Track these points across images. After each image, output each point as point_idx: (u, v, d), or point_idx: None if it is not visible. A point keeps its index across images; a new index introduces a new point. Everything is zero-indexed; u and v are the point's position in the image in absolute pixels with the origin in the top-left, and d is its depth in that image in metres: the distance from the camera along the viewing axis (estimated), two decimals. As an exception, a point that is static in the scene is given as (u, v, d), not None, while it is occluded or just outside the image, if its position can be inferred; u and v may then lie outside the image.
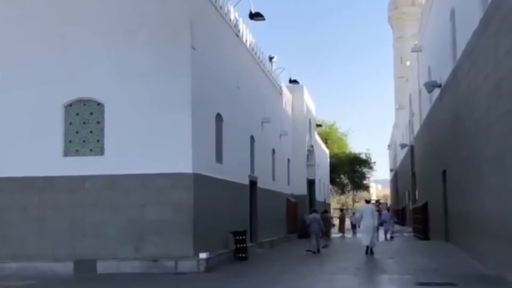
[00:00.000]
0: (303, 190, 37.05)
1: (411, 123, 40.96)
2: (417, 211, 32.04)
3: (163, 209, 16.20)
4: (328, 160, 56.81)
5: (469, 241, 17.48)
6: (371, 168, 67.60)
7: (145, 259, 15.80)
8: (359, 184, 68.60)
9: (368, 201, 22.99)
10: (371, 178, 73.03)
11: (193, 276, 14.99)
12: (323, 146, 52.73)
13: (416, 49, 30.94)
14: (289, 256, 20.37)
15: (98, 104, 16.93)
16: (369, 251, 19.45)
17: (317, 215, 24.07)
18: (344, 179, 67.03)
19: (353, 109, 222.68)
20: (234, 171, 20.82)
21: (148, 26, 16.77)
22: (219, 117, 19.18)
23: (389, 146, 78.42)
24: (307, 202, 36.84)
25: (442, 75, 22.65)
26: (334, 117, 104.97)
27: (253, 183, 23.83)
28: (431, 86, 23.00)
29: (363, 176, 68.03)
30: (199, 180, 16.61)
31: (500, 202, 13.10)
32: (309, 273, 14.64)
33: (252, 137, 24.15)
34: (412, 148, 39.76)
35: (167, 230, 16.09)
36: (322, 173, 49.70)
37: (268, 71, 28.34)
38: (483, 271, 13.81)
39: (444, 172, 22.86)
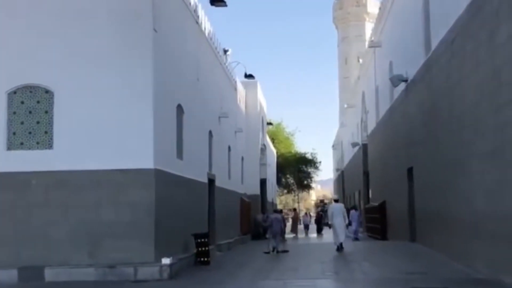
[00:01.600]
0: (256, 189, 35.82)
1: (363, 122, 40.29)
2: (373, 211, 31.27)
3: (120, 209, 14.53)
4: (275, 160, 55.93)
5: (446, 242, 16.54)
6: (316, 168, 67.26)
7: (101, 266, 14.08)
8: (304, 184, 68.12)
9: (336, 200, 23.53)
10: (316, 178, 72.59)
11: (155, 284, 13.50)
12: (271, 145, 51.79)
13: (374, 45, 30.14)
14: (254, 259, 18.98)
15: (47, 91, 15.08)
16: (340, 247, 19.88)
17: (278, 216, 23.57)
18: (290, 179, 66.30)
19: (299, 109, 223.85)
20: (194, 168, 19.28)
21: (105, 4, 15.05)
22: (180, 109, 17.62)
23: (333, 146, 78.33)
24: (260, 202, 35.55)
25: (409, 69, 21.80)
26: (280, 116, 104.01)
27: (211, 182, 22.34)
28: (398, 80, 22.10)
29: (308, 176, 67.55)
30: (160, 177, 15.03)
31: (495, 200, 12.15)
32: (287, 279, 13.29)
33: (210, 133, 22.65)
34: (364, 147, 39.08)
35: (125, 233, 14.43)
36: (271, 173, 48.72)
37: (225, 64, 26.89)
38: (472, 274, 12.83)
39: (410, 169, 22.01)
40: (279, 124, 63.96)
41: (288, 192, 71.07)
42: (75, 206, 14.59)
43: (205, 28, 21.73)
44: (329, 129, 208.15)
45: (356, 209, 28.23)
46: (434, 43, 17.49)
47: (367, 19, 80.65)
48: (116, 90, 14.74)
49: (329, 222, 21.76)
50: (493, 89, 12.01)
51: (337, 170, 68.36)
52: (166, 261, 14.12)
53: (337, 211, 20.77)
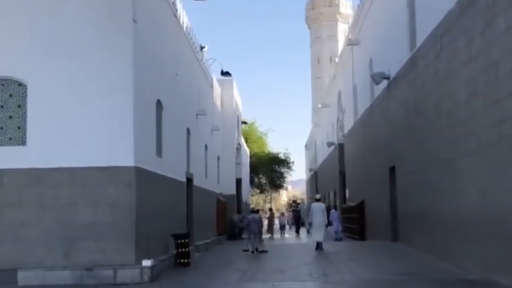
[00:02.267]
0: (232, 189, 35.24)
1: (339, 121, 40.03)
2: (351, 210, 30.93)
3: (99, 208, 13.82)
4: (248, 159, 55.39)
5: (432, 242, 16.22)
6: (289, 168, 66.89)
7: (77, 268, 13.35)
8: (277, 184, 67.69)
9: (318, 200, 22.99)
10: (289, 179, 72.20)
11: (136, 287, 12.78)
12: (244, 145, 51.24)
13: (352, 43, 29.81)
14: (234, 260, 18.39)
15: (20, 84, 14.28)
16: (319, 246, 19.88)
17: (256, 216, 23.21)
18: (263, 179, 65.79)
19: (272, 109, 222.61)
20: (173, 166, 18.61)
21: (83, -9, 14.32)
22: (159, 104, 16.94)
23: (306, 146, 78.14)
24: (236, 202, 34.96)
25: (391, 67, 21.48)
26: (253, 116, 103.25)
27: (189, 181, 21.68)
28: (379, 77, 21.76)
29: (281, 176, 67.13)
30: (141, 176, 14.35)
31: (487, 199, 11.83)
32: (274, 281, 12.74)
33: (188, 130, 21.99)
34: (341, 146, 38.80)
35: (104, 234, 13.72)
36: (245, 173, 48.15)
37: (202, 61, 26.23)
38: (463, 274, 12.48)
39: (392, 168, 21.69)
40: (252, 124, 63.42)
41: (261, 192, 70.54)
42: (50, 206, 13.82)
43: (183, 22, 21.08)
44: (302, 129, 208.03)
45: (336, 209, 27.79)
46: (420, 39, 17.15)
47: (340, 19, 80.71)
48: (94, 83, 14.01)
49: (309, 221, 21.87)
50: (489, 83, 11.66)
51: (310, 170, 68.09)
52: (147, 263, 13.46)
53: (317, 211, 20.81)
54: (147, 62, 15.44)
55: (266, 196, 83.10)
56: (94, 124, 13.91)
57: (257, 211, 26.60)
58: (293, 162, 66.05)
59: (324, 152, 52.23)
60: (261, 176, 65.32)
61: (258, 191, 70.01)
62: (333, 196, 43.03)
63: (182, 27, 20.88)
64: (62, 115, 13.98)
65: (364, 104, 28.24)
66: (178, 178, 19.48)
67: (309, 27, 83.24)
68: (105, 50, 14.05)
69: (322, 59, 79.47)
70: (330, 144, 42.68)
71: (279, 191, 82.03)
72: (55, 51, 14.11)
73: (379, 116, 24.00)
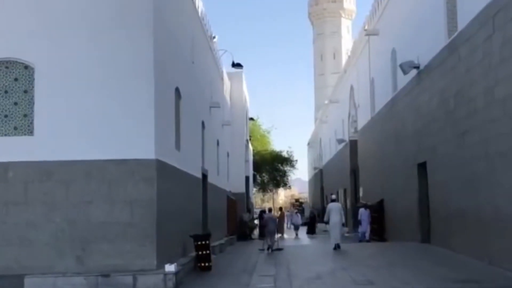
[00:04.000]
0: (241, 187, 33.71)
1: (351, 117, 38.53)
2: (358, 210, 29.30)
3: (115, 206, 12.30)
4: (251, 157, 53.97)
5: (477, 244, 14.74)
6: (293, 166, 65.48)
7: (92, 274, 11.83)
8: (280, 182, 66.25)
9: (333, 200, 22.91)
10: (292, 177, 70.67)
11: (159, 295, 11.26)
12: (249, 142, 49.84)
13: (370, 33, 28.26)
14: (256, 263, 16.84)
15: (26, 67, 12.72)
16: (337, 246, 19.80)
17: (272, 215, 23.78)
18: (266, 177, 64.32)
19: (274, 106, 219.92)
20: (190, 161, 17.09)
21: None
22: (177, 92, 15.41)
23: (309, 144, 76.64)
24: (245, 201, 33.45)
25: (421, 55, 19.98)
26: (256, 113, 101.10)
27: (204, 177, 20.15)
28: (409, 67, 20.25)
29: (284, 175, 65.70)
30: (161, 170, 12.82)
31: None
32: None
33: (203, 123, 20.45)
34: (352, 143, 37.31)
35: (121, 235, 12.21)
36: (250, 171, 46.64)
37: (214, 50, 24.70)
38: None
39: (422, 164, 20.17)
40: (255, 121, 61.98)
41: (264, 190, 69.08)
42: (61, 204, 12.29)
43: (198, 6, 19.55)
44: (303, 127, 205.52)
45: (366, 207, 26.13)
46: (463, 22, 15.66)
47: (343, 15, 79.39)
48: (111, 65, 12.48)
49: (325, 221, 21.78)
50: None
51: (314, 168, 66.53)
52: (170, 268, 11.95)
53: (334, 211, 20.73)
54: (166, 45, 13.93)
55: (264, 195, 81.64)
56: (110, 112, 12.37)
57: (270, 210, 25.76)
58: (296, 161, 64.44)
59: (331, 150, 50.73)
60: (264, 174, 63.94)
61: (261, 189, 68.52)
62: (343, 195, 41.45)
63: (197, 11, 19.35)
64: (74, 102, 12.45)
65: (384, 97, 26.70)
66: (195, 174, 17.96)
67: (312, 23, 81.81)
68: (124, 29, 12.53)
69: (325, 55, 78.08)
70: (340, 141, 41.15)
71: (277, 191, 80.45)
72: (67, 29, 12.57)
73: (405, 108, 22.46)
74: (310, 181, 78.17)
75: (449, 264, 14.30)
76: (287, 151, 64.74)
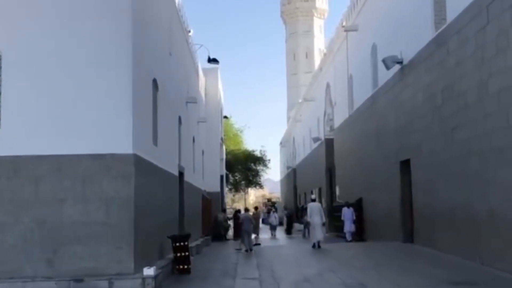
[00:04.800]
0: (216, 186, 32.84)
1: (327, 115, 38.01)
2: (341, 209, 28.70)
3: (90, 205, 11.38)
4: (224, 156, 53.10)
5: (466, 244, 14.22)
6: (265, 165, 64.70)
7: (64, 278, 10.91)
8: (252, 182, 65.44)
9: (313, 200, 23.42)
10: (265, 176, 69.91)
11: (137, 301, 10.41)
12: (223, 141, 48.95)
13: (350, 29, 27.71)
14: (238, 264, 16.09)
15: (-9, 53, 11.70)
16: (317, 245, 20.21)
17: (249, 214, 23.36)
18: (239, 177, 63.47)
19: (246, 105, 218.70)
20: (167, 157, 16.23)
21: None
22: (155, 84, 14.53)
23: (281, 143, 76.06)
24: (220, 200, 32.60)
25: (405, 50, 19.47)
26: (229, 112, 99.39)
27: (181, 175, 19.28)
28: (392, 62, 19.71)
29: (257, 174, 64.91)
30: (139, 166, 11.94)
31: None
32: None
33: (179, 119, 19.57)
34: (328, 142, 36.78)
35: (96, 236, 11.30)
36: (223, 170, 45.76)
37: (190, 44, 23.84)
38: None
39: (405, 162, 19.66)
40: (228, 120, 61.10)
41: (236, 190, 68.23)
42: (30, 202, 11.33)
43: (175, -3, 18.70)
44: (275, 126, 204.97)
45: (348, 206, 25.54)
46: (452, 14, 15.13)
47: (316, 14, 79.08)
48: (85, 55, 11.56)
49: (308, 220, 22.34)
50: None
51: (288, 168, 65.93)
52: (149, 272, 11.09)
53: (315, 210, 21.23)
54: (144, 33, 13.06)
55: (234, 195, 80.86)
56: (84, 103, 11.47)
57: (247, 210, 25.23)
58: (269, 160, 63.68)
59: (305, 149, 50.22)
60: (236, 174, 63.08)
61: (227, 189, 67.62)
62: (318, 195, 40.89)
63: (174, 2, 18.49)
64: (46, 92, 11.51)
65: (363, 94, 26.16)
66: (172, 171, 17.09)
67: (284, 22, 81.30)
68: (100, 17, 11.63)
69: (298, 54, 77.66)
70: (315, 139, 40.61)
71: (247, 191, 79.54)
72: (39, 16, 11.64)
73: (387, 105, 21.93)
74: (282, 181, 77.58)
75: (440, 264, 13.74)
76: (260, 151, 63.97)
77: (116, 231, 11.25)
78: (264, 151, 64.13)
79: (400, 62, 19.76)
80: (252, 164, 62.74)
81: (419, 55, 17.94)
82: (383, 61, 20.17)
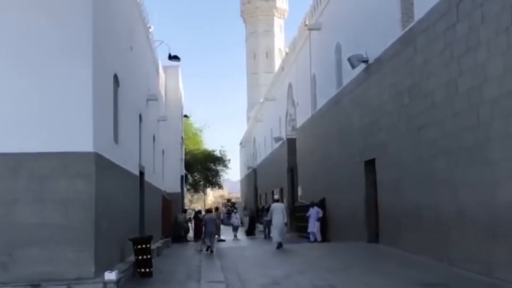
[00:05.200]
0: (176, 187, 32.20)
1: (289, 115, 37.80)
2: (308, 209, 28.53)
3: (47, 206, 10.75)
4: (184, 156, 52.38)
5: (435, 243, 14.08)
6: (225, 166, 64.14)
7: (19, 283, 10.27)
8: (212, 182, 64.79)
9: (276, 200, 23.42)
10: (225, 176, 69.38)
11: (97, 307, 9.84)
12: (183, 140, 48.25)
13: (313, 27, 27.49)
14: (201, 266, 15.59)
15: None
16: (279, 245, 19.91)
17: (213, 215, 23.23)
18: (198, 177, 62.74)
19: (207, 104, 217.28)
20: (128, 156, 15.63)
21: None
22: (115, 79, 13.93)
23: (241, 143, 75.68)
24: (180, 201, 32.00)
25: (370, 49, 19.31)
26: (188, 111, 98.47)
27: (141, 175, 18.67)
28: (357, 60, 19.53)
29: (217, 174, 64.29)
30: (100, 165, 11.35)
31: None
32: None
33: (140, 116, 18.96)
34: (290, 141, 36.56)
35: (54, 239, 10.68)
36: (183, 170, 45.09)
37: (150, 40, 23.21)
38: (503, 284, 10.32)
39: (369, 162, 19.50)
40: (187, 119, 60.35)
41: (195, 191, 67.48)
42: (-18, 203, 10.60)
43: (136, -10, 18.10)
44: (235, 126, 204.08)
45: (314, 206, 25.25)
46: (420, 12, 14.99)
47: (276, 14, 78.97)
48: (43, 42, 10.90)
49: (268, 219, 23.08)
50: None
51: (248, 168, 65.56)
52: (110, 276, 10.53)
53: (277, 210, 21.03)
54: (105, 24, 12.45)
55: (192, 196, 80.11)
56: (41, 97, 10.82)
57: (209, 211, 24.96)
58: (229, 160, 63.14)
59: (266, 149, 49.98)
60: (195, 174, 62.34)
61: (185, 190, 66.88)
62: (280, 195, 40.63)
63: (136, -5, 17.90)
64: (-1, 86, 10.79)
65: (327, 93, 25.97)
66: (133, 171, 16.49)
67: (244, 21, 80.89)
68: (58, 3, 10.96)
69: (258, 54, 77.40)
70: (277, 139, 40.35)
71: (205, 191, 78.81)
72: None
73: (351, 104, 21.75)
74: (242, 181, 77.20)
75: (408, 265, 13.54)
76: (220, 150, 63.35)
77: (75, 234, 10.64)
78: (224, 151, 63.55)
79: (366, 61, 19.60)
80: (211, 164, 62.14)
81: (385, 54, 17.79)
82: (349, 59, 19.97)
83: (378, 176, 18.79)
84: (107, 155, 12.11)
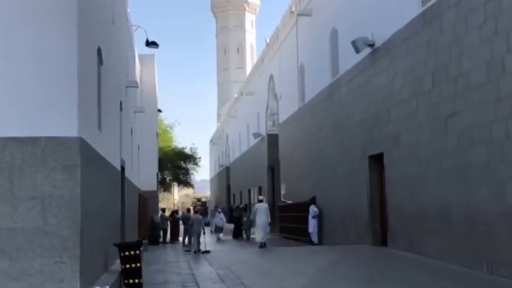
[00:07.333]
0: (152, 185, 29.90)
1: (270, 109, 35.84)
2: (295, 208, 26.63)
3: (20, 206, 8.45)
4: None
5: (472, 249, 12.30)
6: (196, 164, 61.84)
7: (-16, 304, 8.00)
8: (182, 181, 62.44)
9: (261, 200, 23.23)
10: (196, 175, 67.05)
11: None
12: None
13: (303, 13, 25.56)
14: (196, 275, 13.48)
15: None
16: (262, 245, 20.92)
17: (199, 216, 22.76)
18: (169, 176, 60.29)
19: (177, 100, 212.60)
20: (110, 147, 13.40)
21: None
22: (99, 56, 11.69)
23: (212, 141, 73.45)
24: (157, 200, 29.73)
25: (376, 31, 17.50)
26: (159, 107, 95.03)
27: (122, 170, 16.45)
28: (363, 44, 17.68)
29: (187, 173, 61.96)
30: (86, 154, 9.15)
31: None
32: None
33: (121, 104, 16.71)
34: (271, 137, 34.65)
35: (29, 247, 8.40)
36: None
37: (129, 22, 20.93)
38: None
39: (376, 156, 17.68)
40: (159, 115, 57.83)
41: (165, 190, 64.98)
42: None
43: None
44: (204, 123, 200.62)
45: (310, 204, 23.35)
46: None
47: (247, 8, 77.00)
48: (20, 8, 8.65)
49: (251, 218, 23.81)
50: None
51: (220, 166, 63.38)
52: (100, 292, 8.35)
53: (260, 211, 21.71)
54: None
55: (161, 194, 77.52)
56: (15, 72, 8.55)
57: (196, 212, 23.23)
58: (200, 158, 60.83)
59: (241, 146, 47.99)
60: (165, 172, 59.90)
61: (163, 188, 64.40)
62: (258, 194, 38.64)
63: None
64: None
65: (318, 84, 24.08)
66: (115, 165, 14.28)
67: (215, 16, 78.64)
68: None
69: (229, 49, 75.28)
70: (256, 135, 38.40)
71: (187, 188, 76.33)
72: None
73: (352, 93, 19.86)
74: (212, 180, 74.89)
75: (441, 274, 11.73)
76: (191, 148, 61.02)
77: (56, 240, 8.41)
78: (195, 148, 61.33)
79: (372, 45, 17.77)
80: (182, 162, 59.84)
81: (397, 35, 15.97)
82: (353, 43, 18.06)
83: (387, 172, 16.96)
84: (92, 143, 9.91)
